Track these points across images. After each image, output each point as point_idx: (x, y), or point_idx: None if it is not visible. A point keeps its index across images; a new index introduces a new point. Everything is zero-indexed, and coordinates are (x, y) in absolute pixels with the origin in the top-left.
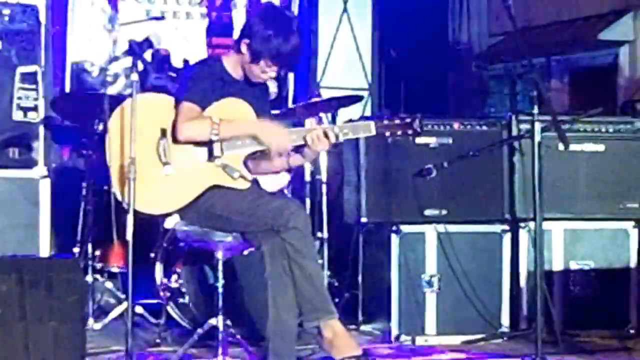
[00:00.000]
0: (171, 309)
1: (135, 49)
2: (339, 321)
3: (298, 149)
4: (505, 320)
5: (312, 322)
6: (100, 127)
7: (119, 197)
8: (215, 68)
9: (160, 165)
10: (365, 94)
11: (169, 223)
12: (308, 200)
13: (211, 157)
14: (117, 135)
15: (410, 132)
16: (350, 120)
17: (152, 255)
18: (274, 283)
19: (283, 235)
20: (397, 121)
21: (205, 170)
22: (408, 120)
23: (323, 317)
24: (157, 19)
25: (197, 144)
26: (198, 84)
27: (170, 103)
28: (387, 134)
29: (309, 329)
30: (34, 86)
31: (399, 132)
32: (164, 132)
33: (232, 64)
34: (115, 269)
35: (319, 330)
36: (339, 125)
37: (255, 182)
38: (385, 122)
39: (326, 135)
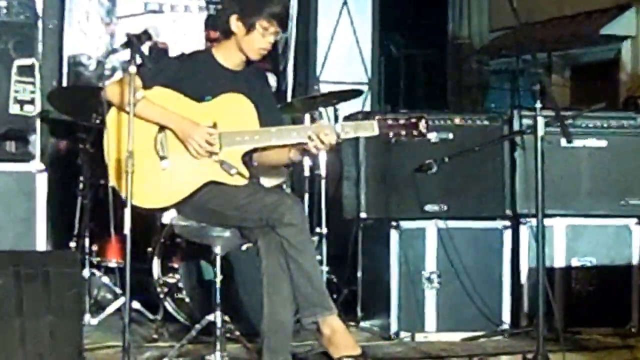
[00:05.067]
0: (168, 305)
1: (133, 42)
2: (337, 318)
3: (298, 147)
4: (506, 317)
5: (309, 318)
6: (98, 121)
7: (117, 190)
8: (198, 59)
9: (158, 159)
10: (365, 88)
11: (166, 218)
12: (307, 196)
13: (209, 152)
14: (115, 128)
15: (415, 133)
16: (351, 116)
17: (150, 250)
18: (269, 279)
19: (278, 230)
20: (402, 121)
21: (202, 165)
22: (413, 120)
23: (320, 313)
24: (155, 12)
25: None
26: (159, 65)
27: (170, 95)
28: (391, 134)
29: (307, 325)
30: (31, 79)
31: (403, 133)
32: (162, 126)
33: (223, 53)
34: (112, 264)
35: (318, 327)
36: (341, 124)
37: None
38: (389, 121)
39: (327, 135)
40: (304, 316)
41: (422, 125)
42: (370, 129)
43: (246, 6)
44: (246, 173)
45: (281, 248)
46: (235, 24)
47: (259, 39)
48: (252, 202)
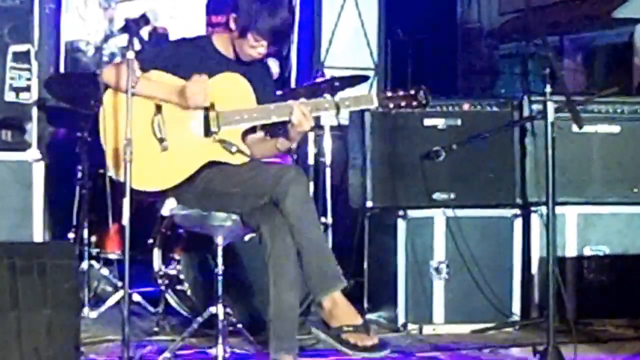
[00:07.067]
0: (169, 297)
1: (131, 27)
2: (340, 292)
3: (282, 130)
4: (516, 308)
5: (325, 294)
6: (96, 108)
7: (115, 177)
8: (197, 44)
9: (156, 141)
10: (371, 73)
11: (165, 210)
12: (312, 184)
13: (208, 132)
14: (111, 111)
15: (415, 103)
16: None
17: (150, 241)
18: (275, 263)
19: (283, 203)
20: (401, 93)
21: (202, 145)
22: (412, 91)
23: (334, 285)
24: None
25: (194, 120)
26: (156, 48)
27: (166, 79)
28: (391, 105)
29: (318, 301)
30: (26, 66)
31: (403, 104)
32: (158, 108)
33: (223, 42)
34: (111, 255)
35: (320, 303)
36: (340, 97)
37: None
38: (389, 93)
39: (326, 109)
40: (321, 291)
41: (421, 95)
42: (370, 101)
43: (243, 12)
44: (247, 151)
45: (286, 227)
46: (232, 22)
47: (247, 47)
48: (254, 176)
